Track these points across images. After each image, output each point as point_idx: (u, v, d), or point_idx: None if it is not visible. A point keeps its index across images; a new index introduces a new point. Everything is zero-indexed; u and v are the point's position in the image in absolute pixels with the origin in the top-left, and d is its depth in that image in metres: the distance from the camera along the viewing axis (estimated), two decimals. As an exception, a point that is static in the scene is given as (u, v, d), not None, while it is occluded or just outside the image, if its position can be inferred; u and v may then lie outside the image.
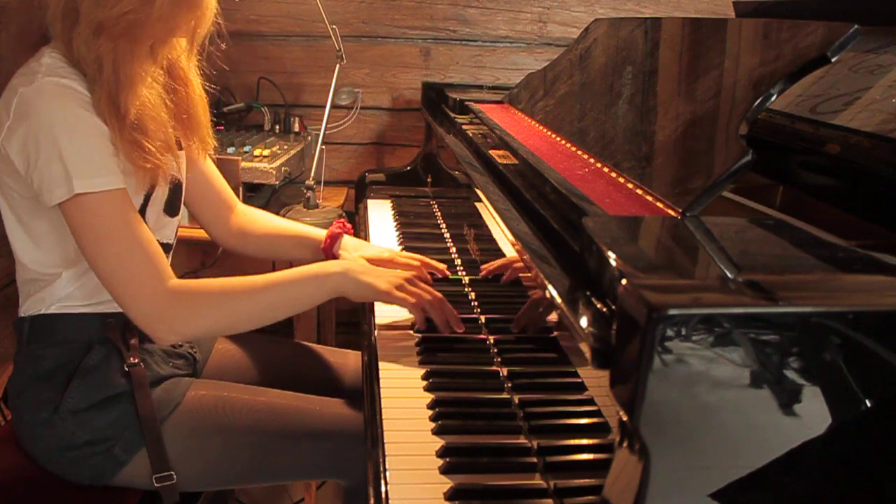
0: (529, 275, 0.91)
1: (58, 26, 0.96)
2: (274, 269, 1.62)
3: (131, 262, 0.95)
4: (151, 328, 0.98)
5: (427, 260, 1.28)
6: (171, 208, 1.14)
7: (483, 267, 1.09)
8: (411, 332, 1.12)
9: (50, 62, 0.96)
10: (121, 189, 0.96)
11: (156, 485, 1.04)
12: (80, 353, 1.04)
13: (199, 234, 1.62)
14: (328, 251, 1.31)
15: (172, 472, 1.04)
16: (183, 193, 1.17)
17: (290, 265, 1.57)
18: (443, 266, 1.27)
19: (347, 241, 1.33)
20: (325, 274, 1.07)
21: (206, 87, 1.18)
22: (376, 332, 1.12)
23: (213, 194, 1.28)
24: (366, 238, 1.55)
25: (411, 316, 1.13)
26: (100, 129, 0.96)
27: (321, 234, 1.32)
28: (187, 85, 1.13)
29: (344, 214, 1.79)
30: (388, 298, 1.08)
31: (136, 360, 1.05)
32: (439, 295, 1.10)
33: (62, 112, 0.93)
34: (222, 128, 1.98)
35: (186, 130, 1.13)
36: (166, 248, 1.15)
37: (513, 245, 0.85)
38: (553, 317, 0.88)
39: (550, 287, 0.69)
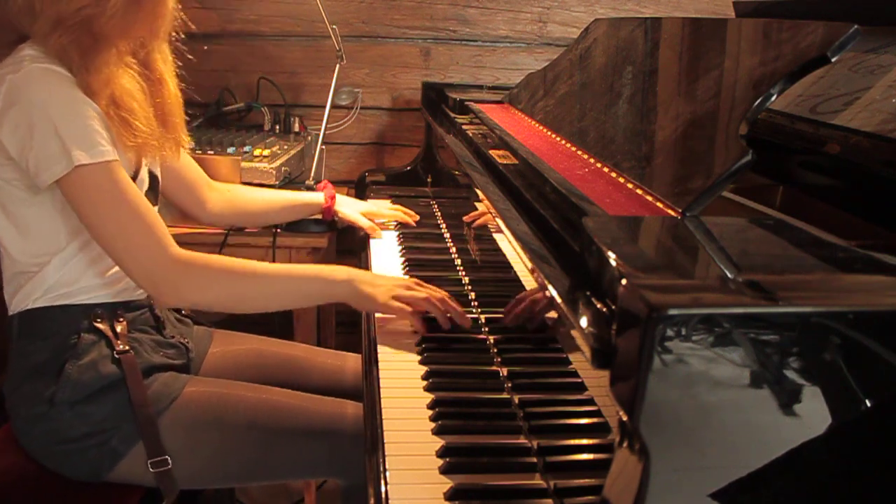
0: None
1: (24, 22, 1.00)
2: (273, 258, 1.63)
3: (133, 229, 0.99)
4: (157, 290, 1.02)
5: (401, 210, 1.62)
6: (150, 198, 1.15)
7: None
8: (411, 331, 1.12)
9: (33, 52, 0.99)
10: (116, 161, 0.99)
11: (152, 470, 1.04)
12: (69, 343, 1.05)
13: (199, 234, 1.62)
14: (330, 210, 1.55)
15: (167, 457, 1.04)
16: (160, 184, 1.20)
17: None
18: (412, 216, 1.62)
19: (342, 199, 1.60)
20: (332, 279, 1.10)
21: (182, 88, 1.21)
22: (376, 332, 1.12)
23: (186, 179, 1.33)
24: (366, 237, 1.55)
25: (444, 326, 1.13)
26: (91, 105, 0.99)
27: (317, 197, 1.55)
28: (163, 84, 1.15)
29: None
30: (387, 310, 1.11)
31: (126, 348, 1.06)
32: (439, 294, 1.11)
33: (53, 92, 0.96)
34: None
35: (163, 130, 1.14)
36: None
37: (511, 243, 0.85)
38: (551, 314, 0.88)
39: (550, 287, 0.69)
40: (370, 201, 1.71)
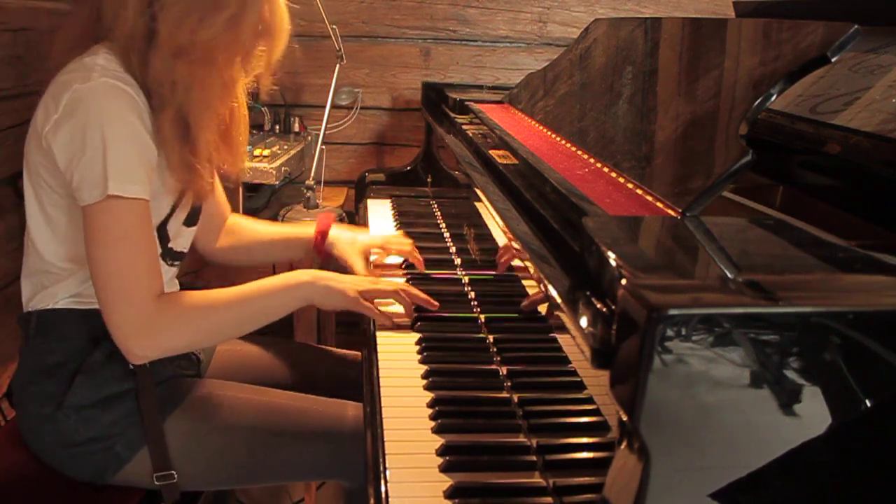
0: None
1: (124, 42, 0.96)
2: (275, 271, 1.63)
3: (131, 271, 0.95)
4: (128, 342, 0.96)
5: (413, 247, 1.35)
6: (191, 219, 1.14)
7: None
8: (411, 331, 1.13)
9: (105, 63, 0.95)
10: (146, 201, 0.96)
11: (156, 483, 1.04)
12: (86, 349, 1.04)
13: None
14: (319, 248, 1.33)
15: (173, 472, 1.04)
16: (202, 207, 1.17)
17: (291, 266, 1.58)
18: (420, 260, 1.34)
19: (339, 234, 1.33)
20: (295, 284, 1.09)
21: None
22: (376, 331, 1.12)
23: (214, 207, 1.30)
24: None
25: (409, 315, 1.14)
26: (144, 138, 0.96)
27: (310, 232, 1.34)
28: (236, 105, 1.13)
29: (329, 209, 1.79)
30: (357, 306, 1.11)
31: None
32: (393, 287, 1.14)
33: (114, 113, 0.93)
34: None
35: (226, 149, 1.13)
36: (181, 256, 1.15)
37: (511, 241, 0.85)
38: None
39: (550, 287, 0.69)
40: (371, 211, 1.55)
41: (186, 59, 0.95)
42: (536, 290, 0.89)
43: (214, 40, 0.95)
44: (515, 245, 0.83)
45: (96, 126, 0.91)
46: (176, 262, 1.15)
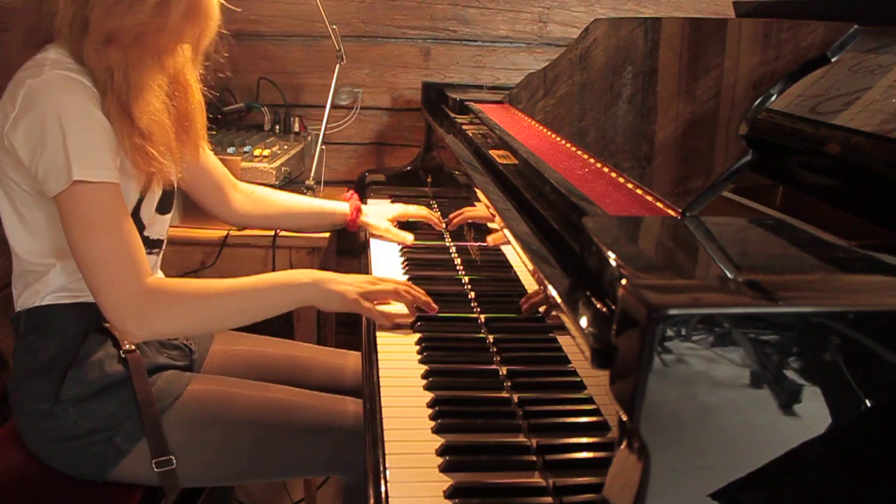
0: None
1: (66, 33, 0.98)
2: (275, 266, 1.63)
3: (116, 255, 0.96)
4: (123, 322, 0.98)
5: (430, 214, 1.56)
6: (163, 207, 1.15)
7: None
8: (411, 331, 1.13)
9: (57, 57, 0.97)
10: (116, 184, 0.98)
11: (156, 469, 1.04)
12: (76, 342, 1.05)
13: (199, 234, 1.63)
14: (354, 223, 1.50)
15: (172, 457, 1.05)
16: (175, 193, 1.19)
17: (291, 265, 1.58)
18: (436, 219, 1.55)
19: (367, 209, 1.53)
20: (296, 284, 1.09)
21: (204, 92, 1.20)
22: (376, 331, 1.12)
23: (213, 180, 1.32)
24: (365, 238, 1.55)
25: (411, 315, 1.14)
26: (104, 124, 0.98)
27: (342, 207, 1.49)
28: (187, 91, 1.14)
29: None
30: (357, 308, 1.12)
31: (132, 347, 1.06)
32: (403, 286, 1.15)
33: (69, 103, 0.95)
34: (215, 130, 1.97)
35: (183, 135, 1.14)
36: (158, 244, 1.17)
37: (512, 244, 0.85)
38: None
39: (550, 287, 0.69)
40: (380, 203, 1.65)
41: (117, 45, 0.97)
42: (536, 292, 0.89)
43: (143, 25, 0.96)
44: (516, 245, 0.83)
45: (53, 116, 0.93)
46: (154, 250, 1.16)
